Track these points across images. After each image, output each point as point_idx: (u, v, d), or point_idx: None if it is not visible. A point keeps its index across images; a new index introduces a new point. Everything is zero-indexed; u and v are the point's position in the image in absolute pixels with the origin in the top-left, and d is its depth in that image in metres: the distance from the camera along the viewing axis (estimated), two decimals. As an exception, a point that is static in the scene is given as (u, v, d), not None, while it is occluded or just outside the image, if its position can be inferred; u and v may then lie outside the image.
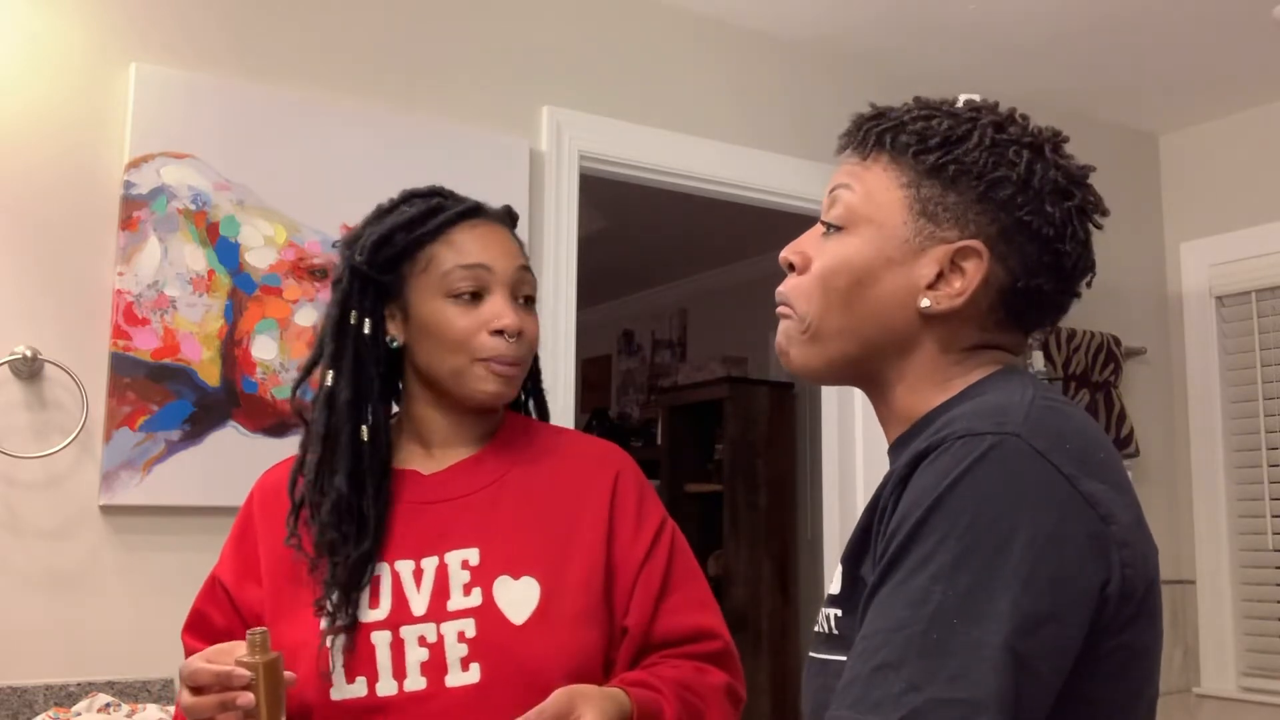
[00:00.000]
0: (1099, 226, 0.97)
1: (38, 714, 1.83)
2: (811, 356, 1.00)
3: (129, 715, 1.81)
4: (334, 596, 1.23)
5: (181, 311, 2.05)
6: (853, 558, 0.91)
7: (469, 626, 1.22)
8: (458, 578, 1.25)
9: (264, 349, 2.12)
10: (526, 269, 1.35)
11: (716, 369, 4.96)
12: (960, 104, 0.99)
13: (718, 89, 2.79)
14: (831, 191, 1.01)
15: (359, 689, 1.21)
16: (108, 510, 1.99)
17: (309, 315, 2.17)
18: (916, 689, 0.75)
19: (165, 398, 2.02)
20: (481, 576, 1.25)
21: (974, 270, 0.93)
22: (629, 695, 1.18)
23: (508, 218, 1.40)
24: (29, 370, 1.95)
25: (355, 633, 1.22)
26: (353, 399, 1.30)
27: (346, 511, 1.26)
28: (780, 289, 1.02)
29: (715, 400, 4.87)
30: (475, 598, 1.24)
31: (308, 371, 1.35)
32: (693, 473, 5.13)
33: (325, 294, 2.17)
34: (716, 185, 2.78)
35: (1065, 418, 0.88)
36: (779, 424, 4.82)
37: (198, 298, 2.07)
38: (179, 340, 2.04)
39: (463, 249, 1.31)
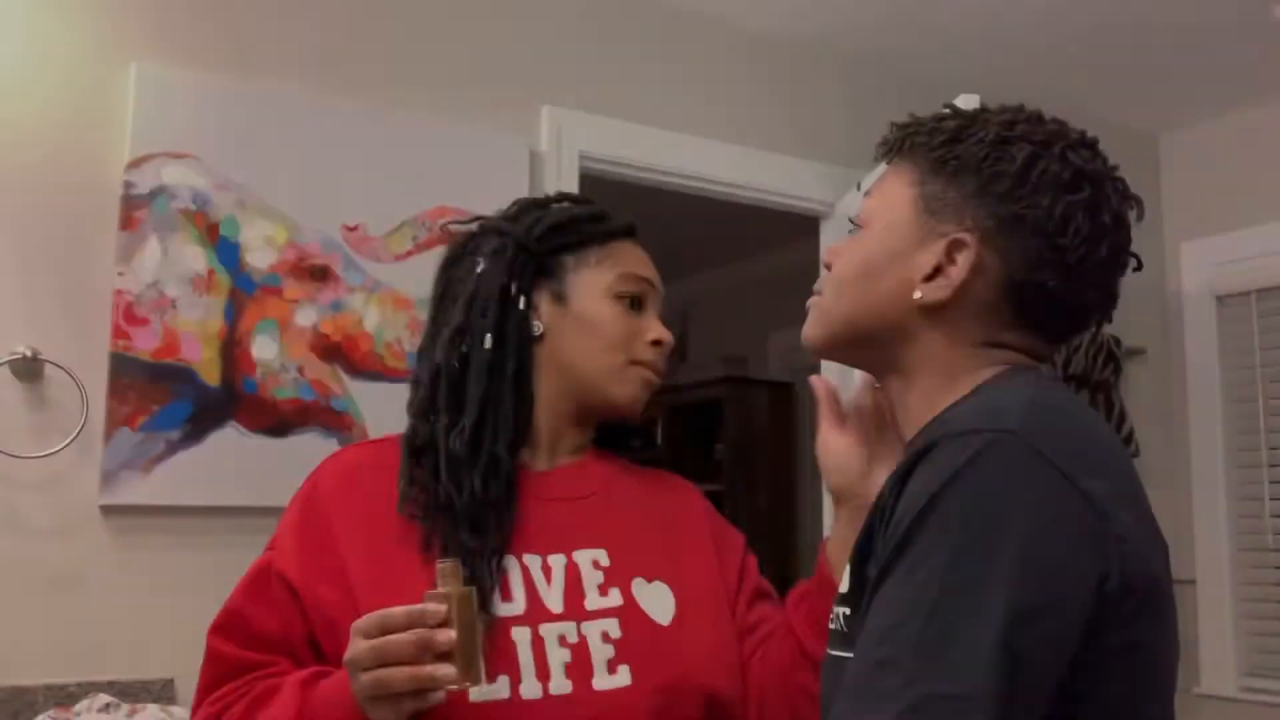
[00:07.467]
0: (1106, 225, 0.98)
1: (38, 714, 1.83)
2: (817, 334, 1.07)
3: (129, 715, 1.81)
4: None
5: (182, 311, 2.05)
6: (859, 556, 0.92)
7: (613, 627, 1.17)
8: (591, 577, 1.21)
9: (264, 349, 2.12)
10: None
11: (716, 369, 4.95)
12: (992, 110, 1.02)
13: (718, 89, 2.79)
14: (865, 197, 1.07)
15: (501, 689, 1.12)
16: (108, 510, 1.99)
17: (309, 315, 2.17)
18: (914, 684, 0.77)
19: (165, 398, 2.02)
20: (616, 577, 1.22)
21: (963, 261, 0.95)
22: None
23: None
24: (29, 370, 1.95)
25: (493, 627, 1.13)
26: (518, 370, 1.26)
27: (494, 475, 1.21)
28: (815, 285, 1.11)
29: (715, 400, 4.87)
30: (615, 598, 1.20)
31: (460, 333, 1.26)
32: (693, 473, 5.09)
33: (325, 294, 2.18)
34: (716, 185, 2.77)
35: (1066, 415, 0.89)
36: (779, 424, 4.82)
37: (198, 298, 2.07)
38: (179, 340, 2.04)
39: (629, 259, 1.35)
